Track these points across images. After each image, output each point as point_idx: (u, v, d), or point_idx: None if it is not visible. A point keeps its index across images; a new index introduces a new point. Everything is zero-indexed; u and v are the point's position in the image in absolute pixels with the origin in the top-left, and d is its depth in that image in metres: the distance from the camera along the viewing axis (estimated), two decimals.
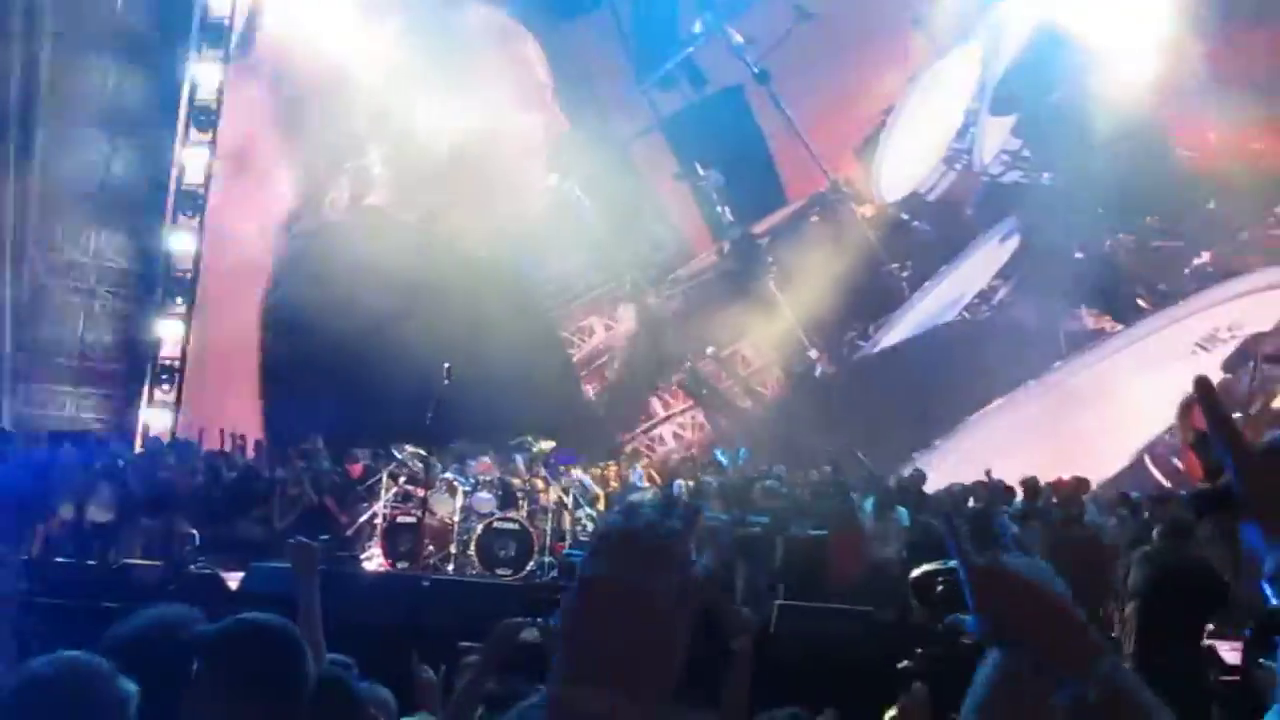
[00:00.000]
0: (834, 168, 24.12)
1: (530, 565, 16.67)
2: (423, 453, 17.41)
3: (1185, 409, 15.18)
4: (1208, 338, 21.74)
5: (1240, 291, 21.82)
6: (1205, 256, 22.46)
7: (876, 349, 23.89)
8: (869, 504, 16.61)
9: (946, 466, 21.18)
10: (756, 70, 23.32)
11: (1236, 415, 14.88)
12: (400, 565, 16.60)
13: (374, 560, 17.07)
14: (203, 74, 23.06)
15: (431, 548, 17.14)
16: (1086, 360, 23.01)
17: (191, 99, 22.88)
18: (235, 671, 3.28)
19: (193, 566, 15.08)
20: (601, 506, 18.46)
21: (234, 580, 13.89)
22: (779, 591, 14.55)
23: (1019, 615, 1.62)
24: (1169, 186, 22.10)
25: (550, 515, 17.67)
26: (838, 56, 23.66)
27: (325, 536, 15.91)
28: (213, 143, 22.84)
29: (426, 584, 14.19)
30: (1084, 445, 20.67)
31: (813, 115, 23.86)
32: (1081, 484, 16.99)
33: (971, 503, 17.17)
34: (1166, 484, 20.26)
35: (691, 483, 18.67)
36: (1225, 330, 21.61)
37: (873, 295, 23.62)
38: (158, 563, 14.61)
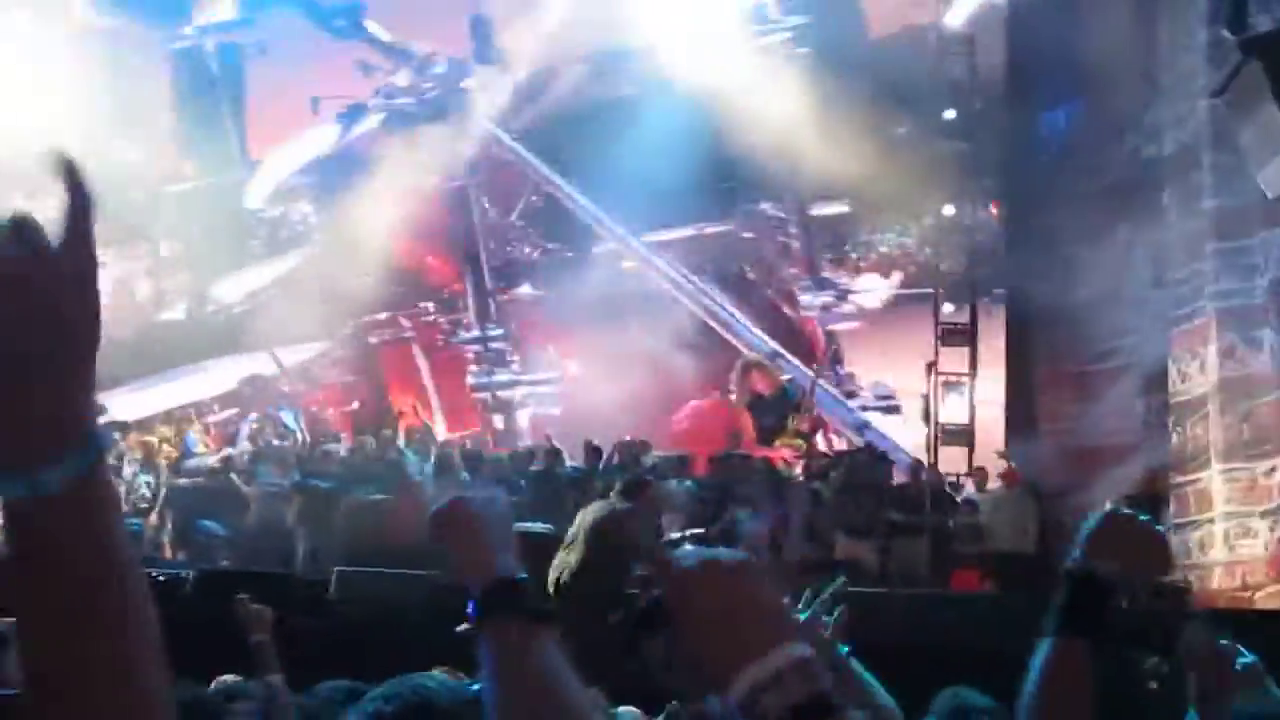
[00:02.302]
0: None
1: None
2: None
3: (744, 370, 15.78)
4: None
5: None
6: None
7: None
8: (429, 466, 16.77)
9: None
10: None
11: None
12: None
13: None
14: None
15: None
16: None
17: None
18: None
19: None
20: (164, 473, 17.82)
21: None
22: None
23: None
24: None
25: None
26: None
27: None
28: None
29: None
30: None
31: None
32: None
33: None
34: None
35: (252, 446, 18.29)
36: None
37: None
38: None
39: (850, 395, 21.34)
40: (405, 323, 24.55)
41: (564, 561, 8.45)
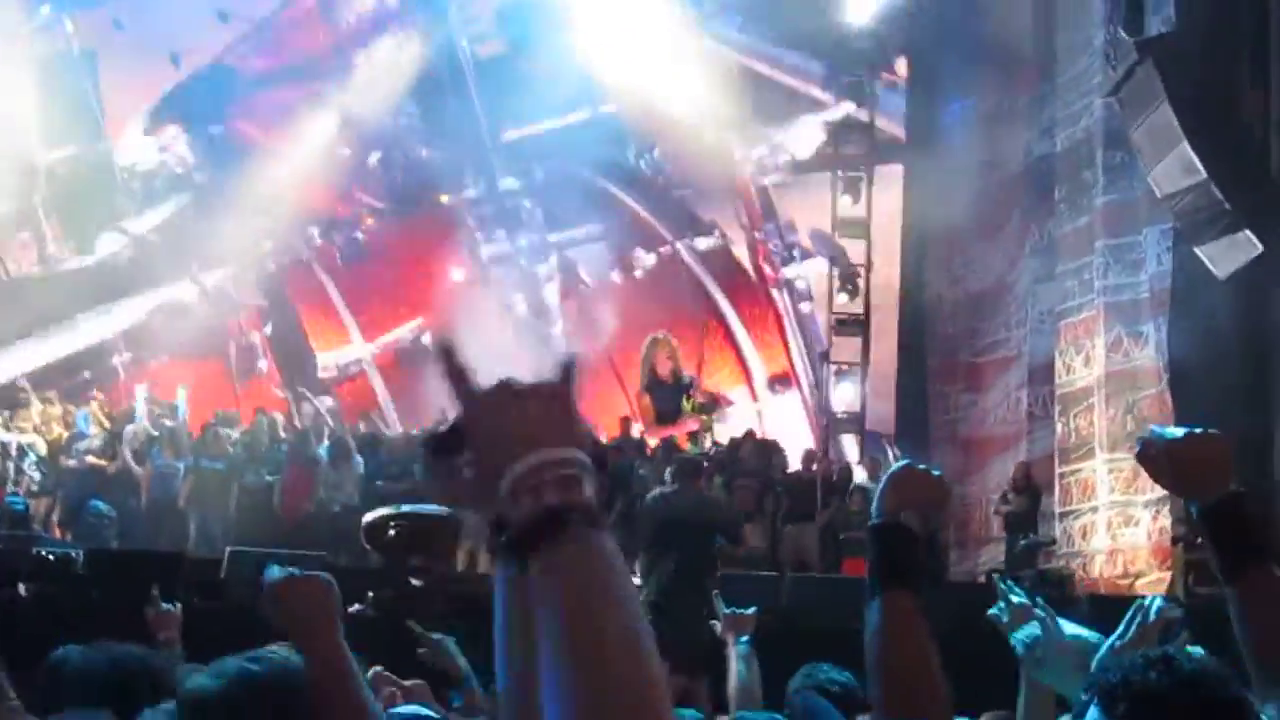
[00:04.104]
0: None
1: None
2: None
3: (651, 347, 15.70)
4: None
5: None
6: None
7: None
8: (324, 450, 16.73)
9: None
10: None
11: None
12: None
13: None
14: None
15: None
16: None
17: None
18: None
19: None
20: (45, 452, 17.58)
21: None
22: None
23: None
24: None
25: None
26: None
27: None
28: None
29: None
30: None
31: None
32: None
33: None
34: None
35: (148, 427, 18.08)
36: None
37: None
38: None
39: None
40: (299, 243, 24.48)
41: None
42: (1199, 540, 2.76)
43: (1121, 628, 3.01)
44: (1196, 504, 2.67)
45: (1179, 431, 2.72)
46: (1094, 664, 2.76)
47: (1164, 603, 3.08)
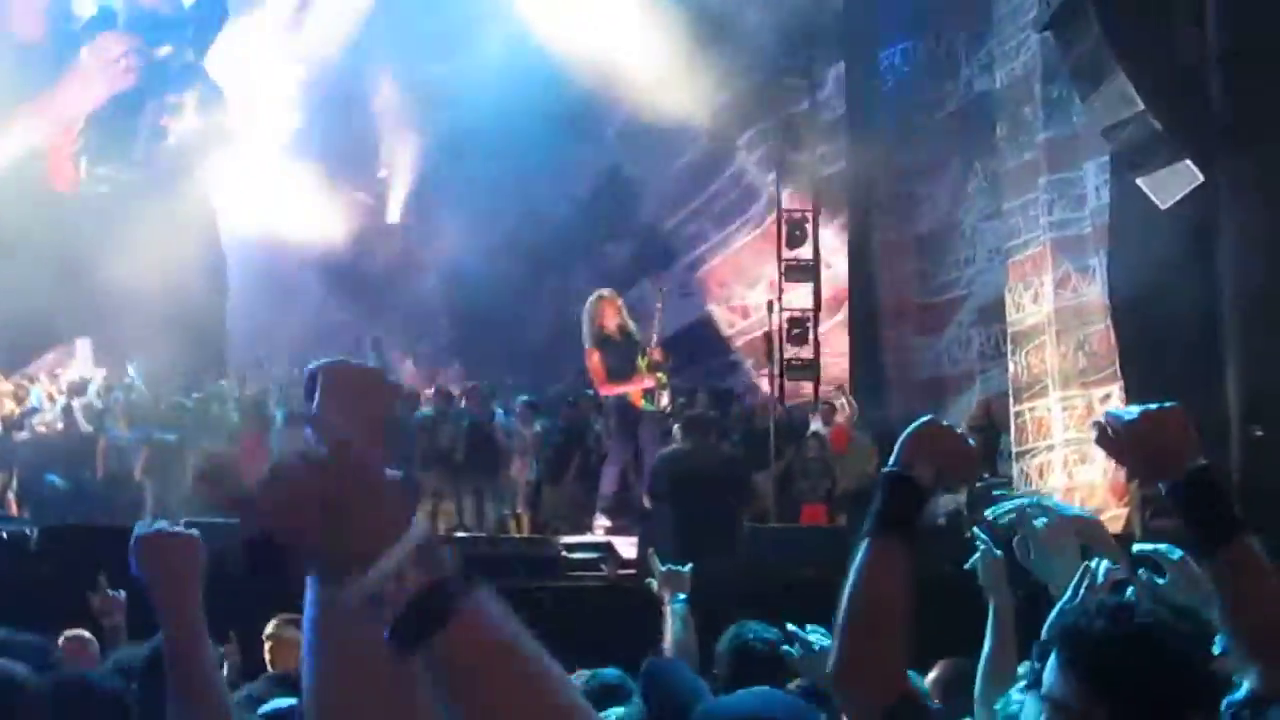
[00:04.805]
0: None
1: None
2: None
3: (596, 302, 15.30)
4: None
5: None
6: None
7: None
8: (280, 414, 16.60)
9: None
10: None
11: None
12: None
13: None
14: None
15: None
16: None
17: None
18: None
19: None
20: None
21: None
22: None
23: None
24: None
25: None
26: None
27: None
28: None
29: None
30: None
31: None
32: None
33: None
34: None
35: (97, 400, 17.87)
36: None
37: None
38: None
39: None
40: None
41: None
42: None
43: (1069, 592, 2.99)
44: (1165, 483, 2.66)
45: (1133, 412, 2.70)
46: (1046, 624, 2.77)
47: (1111, 565, 3.06)
